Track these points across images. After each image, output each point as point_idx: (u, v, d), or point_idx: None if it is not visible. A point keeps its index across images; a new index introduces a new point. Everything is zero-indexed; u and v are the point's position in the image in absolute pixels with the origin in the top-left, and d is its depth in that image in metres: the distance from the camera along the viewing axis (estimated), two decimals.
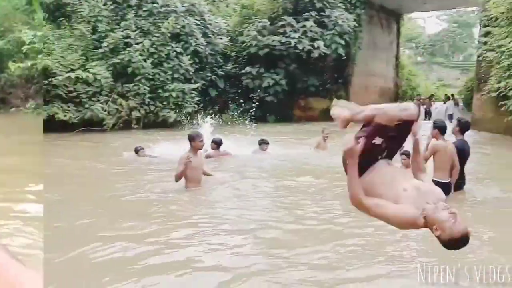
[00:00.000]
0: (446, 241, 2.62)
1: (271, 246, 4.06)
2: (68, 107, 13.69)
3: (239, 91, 19.65)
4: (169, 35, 16.07)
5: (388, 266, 3.57)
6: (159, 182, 6.71)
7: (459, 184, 6.04)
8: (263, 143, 9.61)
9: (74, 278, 3.38)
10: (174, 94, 15.57)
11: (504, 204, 5.76)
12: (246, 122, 14.81)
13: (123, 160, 8.81)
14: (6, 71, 15.48)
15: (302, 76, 19.68)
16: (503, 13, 13.24)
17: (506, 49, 12.73)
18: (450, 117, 17.27)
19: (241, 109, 18.91)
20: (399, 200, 2.70)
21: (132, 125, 14.93)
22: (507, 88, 12.85)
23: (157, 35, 15.86)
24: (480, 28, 17.41)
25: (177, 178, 5.98)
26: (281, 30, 18.87)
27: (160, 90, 15.61)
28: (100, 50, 14.91)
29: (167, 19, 16.08)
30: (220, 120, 16.18)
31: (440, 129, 5.91)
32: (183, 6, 17.25)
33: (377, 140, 2.78)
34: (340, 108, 2.85)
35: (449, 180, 5.79)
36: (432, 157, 5.80)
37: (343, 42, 19.15)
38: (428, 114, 21.51)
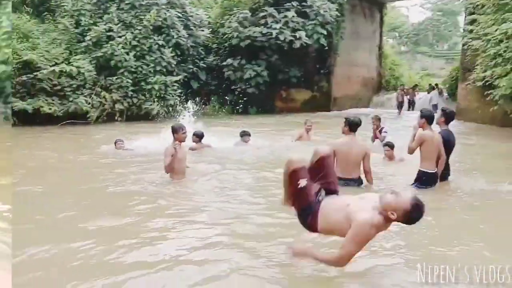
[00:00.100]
0: (404, 217, 2.92)
1: (251, 238, 4.03)
2: (53, 100, 13.85)
3: (221, 83, 19.61)
4: (151, 27, 16.18)
5: (371, 260, 3.56)
6: (142, 174, 6.72)
7: (444, 174, 6.04)
8: (244, 134, 9.60)
9: (55, 272, 3.37)
10: (156, 86, 15.68)
11: (491, 195, 5.72)
12: (228, 114, 14.88)
13: (106, 152, 8.86)
14: None
15: (284, 67, 19.61)
16: (489, 0, 12.77)
17: (492, 37, 12.23)
18: (435, 107, 16.77)
19: (223, 101, 19.08)
20: (349, 216, 3.01)
21: (116, 118, 15.07)
22: (493, 77, 12.53)
23: (139, 28, 15.96)
24: (465, 16, 16.97)
25: (168, 170, 6.00)
26: (262, 21, 18.76)
27: (142, 83, 15.72)
28: (83, 44, 15.05)
29: (149, 11, 16.18)
30: (202, 112, 16.23)
31: (428, 118, 5.85)
32: None
33: (302, 182, 3.28)
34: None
35: (435, 171, 5.82)
36: (419, 147, 5.80)
37: (325, 32, 19.02)
38: (411, 104, 21.35)
